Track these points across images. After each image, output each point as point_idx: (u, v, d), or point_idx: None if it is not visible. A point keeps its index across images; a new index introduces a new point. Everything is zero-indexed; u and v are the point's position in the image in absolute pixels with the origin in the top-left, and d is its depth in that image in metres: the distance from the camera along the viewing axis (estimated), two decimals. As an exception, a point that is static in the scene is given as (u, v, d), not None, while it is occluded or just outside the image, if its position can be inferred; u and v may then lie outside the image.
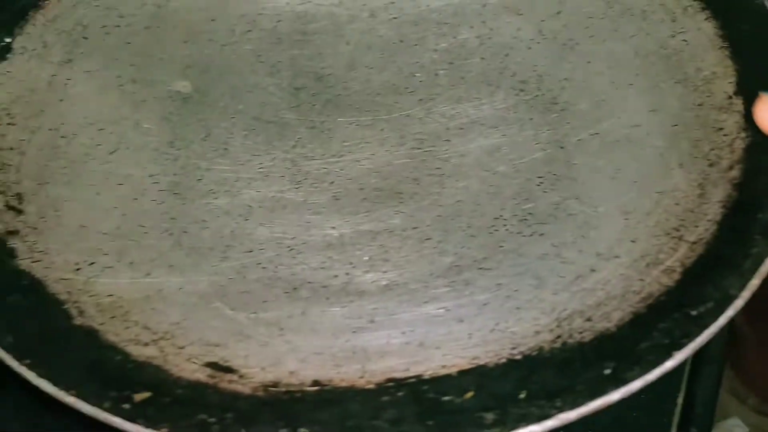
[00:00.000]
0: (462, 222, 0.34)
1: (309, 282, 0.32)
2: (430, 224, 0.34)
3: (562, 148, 0.36)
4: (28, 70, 0.36)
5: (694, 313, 0.25)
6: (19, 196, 0.31)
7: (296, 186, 0.36)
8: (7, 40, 0.36)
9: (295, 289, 0.31)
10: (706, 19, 0.36)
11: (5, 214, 0.30)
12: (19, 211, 0.31)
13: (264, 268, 0.32)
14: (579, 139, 0.36)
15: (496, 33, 0.41)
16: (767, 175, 0.29)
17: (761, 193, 0.29)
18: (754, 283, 0.25)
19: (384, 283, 0.32)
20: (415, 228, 0.34)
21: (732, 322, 0.26)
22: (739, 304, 0.25)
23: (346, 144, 0.38)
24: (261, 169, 0.37)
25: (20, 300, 0.27)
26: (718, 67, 0.35)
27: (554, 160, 0.36)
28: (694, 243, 0.28)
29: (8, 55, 0.36)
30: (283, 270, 0.32)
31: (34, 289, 0.28)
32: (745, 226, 0.28)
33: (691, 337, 0.24)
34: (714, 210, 0.29)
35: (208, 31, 0.42)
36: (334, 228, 0.34)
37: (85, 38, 0.39)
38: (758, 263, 0.26)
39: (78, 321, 0.27)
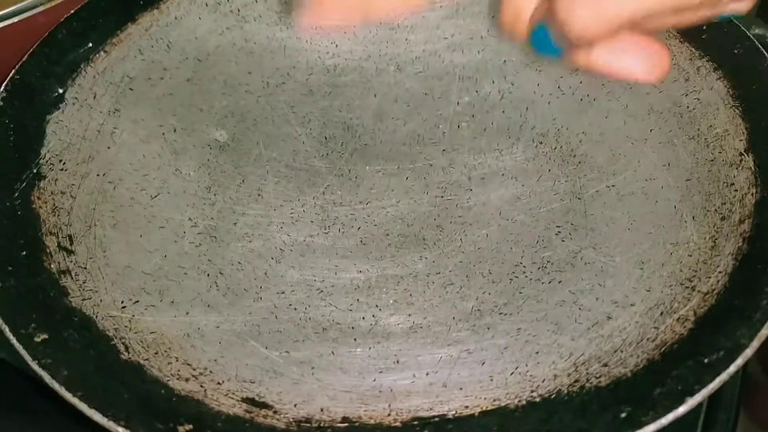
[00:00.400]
0: (483, 268, 0.36)
1: (338, 323, 0.33)
2: (453, 270, 0.36)
3: (579, 198, 0.38)
4: (79, 120, 0.39)
5: (706, 361, 0.26)
6: (70, 238, 0.34)
7: (325, 231, 0.38)
8: (60, 90, 0.39)
9: (324, 329, 0.33)
10: (718, 79, 0.38)
11: (58, 255, 0.32)
12: (70, 252, 0.33)
13: (295, 309, 0.34)
14: (596, 191, 0.38)
15: (516, 88, 0.44)
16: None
17: (770, 247, 0.30)
18: (764, 333, 0.26)
19: (408, 325, 0.33)
20: (438, 273, 0.36)
21: (746, 369, 0.27)
22: (748, 353, 0.26)
23: (372, 191, 0.40)
24: (292, 214, 0.39)
25: (73, 336, 0.29)
26: (729, 125, 0.36)
27: (572, 211, 0.37)
28: (706, 293, 0.30)
29: (61, 105, 0.39)
30: (313, 311, 0.34)
31: (85, 325, 0.30)
32: (755, 278, 0.29)
33: (703, 384, 0.25)
34: (725, 262, 0.31)
35: (245, 83, 0.44)
36: (361, 272, 0.36)
37: (132, 90, 0.41)
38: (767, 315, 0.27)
39: (125, 356, 0.29)
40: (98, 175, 0.37)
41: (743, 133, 0.36)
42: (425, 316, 0.34)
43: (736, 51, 0.38)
